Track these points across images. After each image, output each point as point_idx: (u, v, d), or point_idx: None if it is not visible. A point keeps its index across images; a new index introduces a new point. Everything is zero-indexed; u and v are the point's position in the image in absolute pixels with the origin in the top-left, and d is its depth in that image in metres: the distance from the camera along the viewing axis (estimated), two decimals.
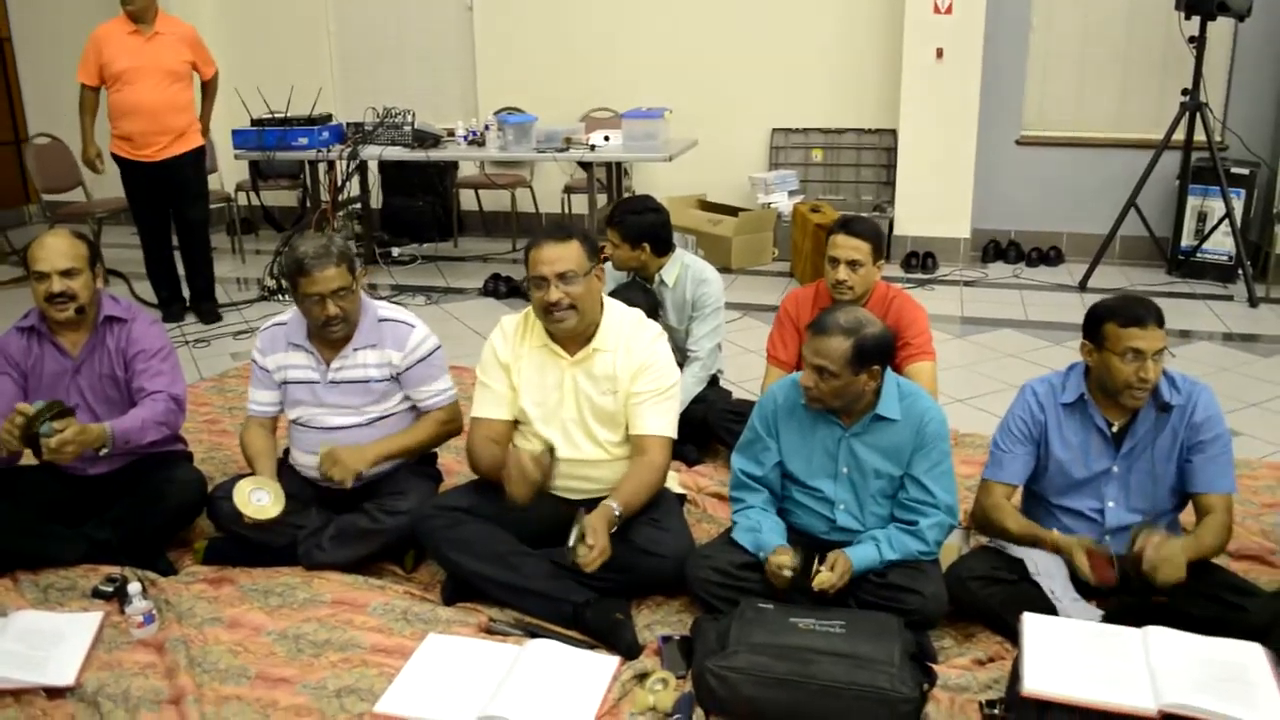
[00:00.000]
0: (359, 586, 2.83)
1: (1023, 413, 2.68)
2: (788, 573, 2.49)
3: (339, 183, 6.14)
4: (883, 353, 2.53)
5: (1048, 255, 6.49)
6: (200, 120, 5.54)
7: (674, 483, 3.04)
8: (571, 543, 2.50)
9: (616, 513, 2.62)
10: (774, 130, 6.94)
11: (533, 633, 2.59)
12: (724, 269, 6.20)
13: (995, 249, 6.60)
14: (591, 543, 2.51)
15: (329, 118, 6.26)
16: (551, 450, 2.70)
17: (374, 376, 2.99)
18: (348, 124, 6.16)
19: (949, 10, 6.20)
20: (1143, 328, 2.47)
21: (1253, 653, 2.21)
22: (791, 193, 6.74)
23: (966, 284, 6.15)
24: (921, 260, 6.37)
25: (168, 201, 5.51)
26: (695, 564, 2.65)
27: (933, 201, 6.48)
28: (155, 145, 5.30)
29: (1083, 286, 5.91)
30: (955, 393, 4.37)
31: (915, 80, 6.35)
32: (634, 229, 3.66)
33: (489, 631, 2.63)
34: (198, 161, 5.54)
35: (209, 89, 5.57)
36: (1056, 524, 2.65)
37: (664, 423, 2.78)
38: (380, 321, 3.04)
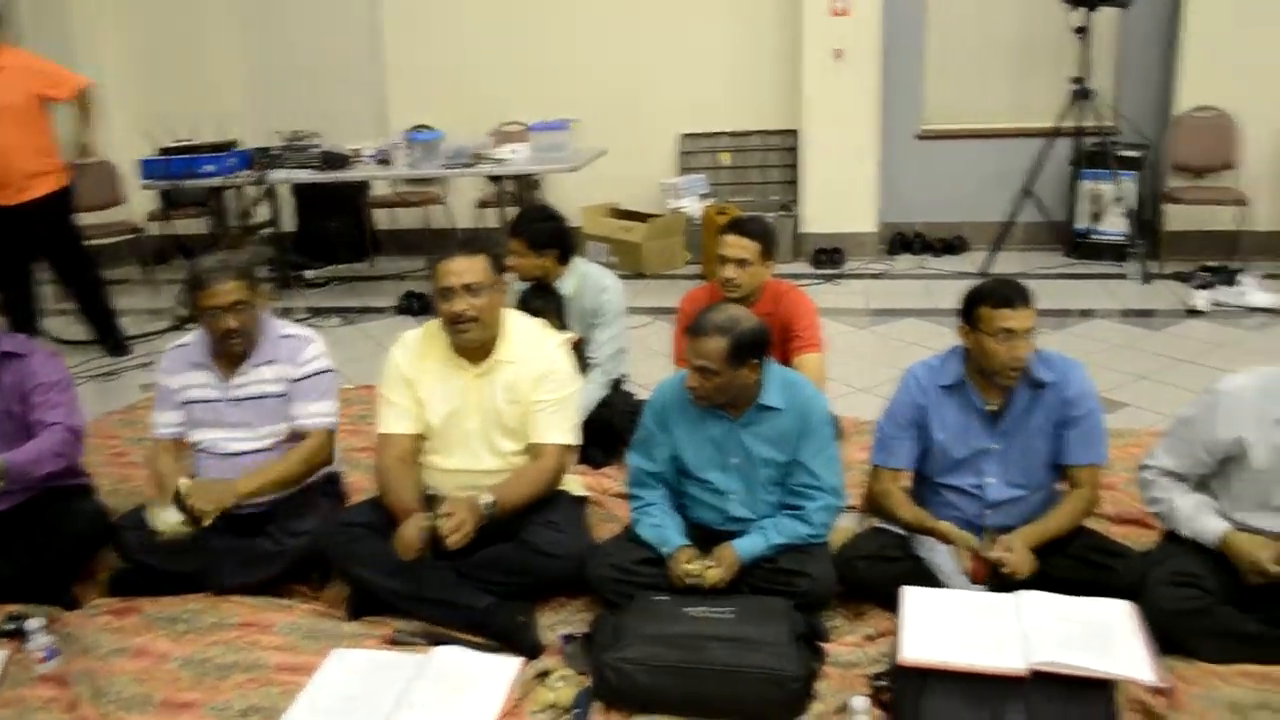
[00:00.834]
0: (265, 607, 2.84)
1: (905, 398, 2.77)
2: (691, 581, 2.56)
3: (247, 208, 6.09)
4: (759, 346, 2.61)
5: (952, 245, 6.66)
6: (83, 142, 5.15)
7: (577, 485, 3.09)
8: (432, 517, 2.58)
9: (483, 502, 2.65)
10: (682, 136, 7.04)
11: (437, 640, 2.62)
12: (637, 275, 6.30)
13: (901, 241, 6.74)
14: (449, 510, 2.57)
15: (234, 144, 6.22)
16: (434, 513, 2.64)
17: (271, 392, 3.01)
18: (255, 149, 6.13)
19: (845, 12, 6.35)
20: (1013, 308, 2.58)
21: (1119, 610, 2.34)
22: (702, 196, 6.84)
23: (873, 277, 6.29)
24: (829, 256, 6.50)
25: (31, 246, 5.18)
26: (595, 563, 2.71)
27: (838, 199, 6.61)
28: (7, 190, 4.94)
29: (984, 273, 6.06)
30: (859, 382, 4.48)
31: (815, 81, 6.48)
32: (538, 236, 3.71)
33: (394, 642, 2.66)
34: (58, 205, 5.15)
35: (83, 106, 5.10)
36: (940, 500, 2.75)
37: (561, 430, 2.84)
38: (281, 338, 3.07)
